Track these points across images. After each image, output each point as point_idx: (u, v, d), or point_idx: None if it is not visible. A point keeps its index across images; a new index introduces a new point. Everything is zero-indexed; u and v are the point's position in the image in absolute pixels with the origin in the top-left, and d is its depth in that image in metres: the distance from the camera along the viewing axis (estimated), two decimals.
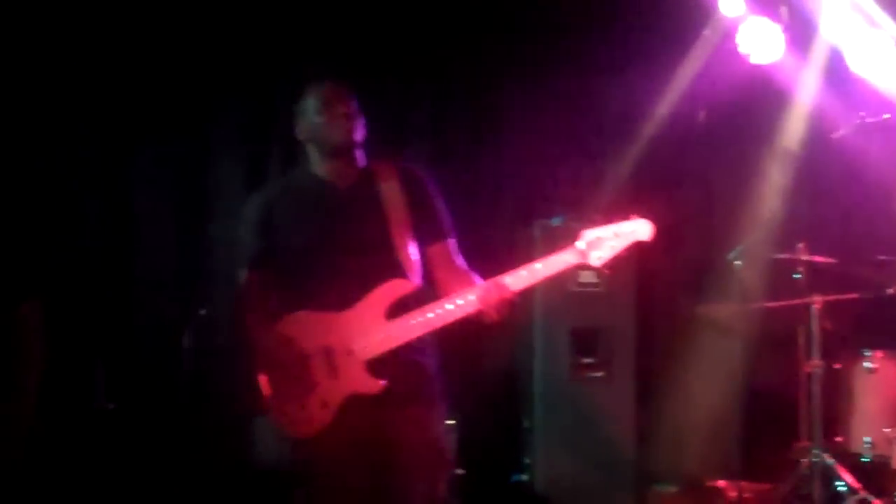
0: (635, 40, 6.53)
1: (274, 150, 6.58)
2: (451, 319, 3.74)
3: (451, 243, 4.00)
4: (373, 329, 3.77)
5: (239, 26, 6.40)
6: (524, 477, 6.01)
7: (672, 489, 6.16)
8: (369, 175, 3.99)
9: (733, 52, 6.39)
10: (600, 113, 6.68)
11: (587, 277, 6.10)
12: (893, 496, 5.47)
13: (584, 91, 6.56)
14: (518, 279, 3.71)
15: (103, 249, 6.24)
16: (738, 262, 6.06)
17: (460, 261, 3.98)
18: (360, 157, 3.99)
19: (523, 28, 6.64)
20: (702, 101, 6.50)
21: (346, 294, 3.78)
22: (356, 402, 3.74)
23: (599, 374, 6.10)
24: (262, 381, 3.83)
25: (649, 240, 3.73)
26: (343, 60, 6.32)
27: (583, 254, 3.70)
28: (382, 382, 3.73)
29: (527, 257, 5.92)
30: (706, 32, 6.39)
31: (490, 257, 4.05)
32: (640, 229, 3.73)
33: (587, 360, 6.10)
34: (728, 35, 6.41)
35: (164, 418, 5.83)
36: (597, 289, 6.08)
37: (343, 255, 3.84)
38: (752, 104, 6.62)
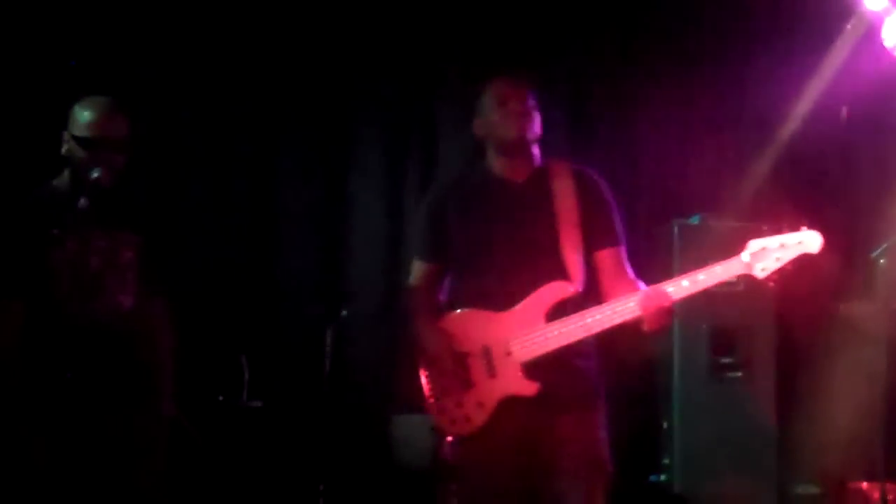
0: (777, 35, 6.46)
1: (413, 151, 6.67)
2: (609, 325, 3.72)
3: (622, 250, 3.96)
4: (532, 331, 3.77)
5: (381, 24, 6.50)
6: (662, 477, 5.98)
7: (814, 490, 6.08)
8: (543, 174, 3.97)
9: (878, 46, 6.26)
10: (740, 110, 6.62)
11: None
12: None
13: (724, 87, 6.50)
14: (679, 288, 3.68)
15: (248, 249, 6.39)
16: (882, 261, 5.94)
17: (629, 269, 3.94)
18: (535, 154, 3.99)
19: (662, 24, 6.62)
20: (844, 97, 6.37)
21: (510, 293, 3.80)
22: (512, 404, 3.76)
23: (739, 374, 6.04)
24: (423, 375, 3.90)
25: (818, 252, 3.66)
26: (482, 58, 6.38)
27: (748, 265, 3.65)
28: (537, 386, 3.73)
29: (664, 256, 5.93)
30: (849, 26, 6.27)
31: (628, 256, 3.98)
32: (808, 241, 3.66)
33: (726, 360, 6.04)
34: (873, 29, 6.27)
35: (308, 416, 5.95)
36: (736, 287, 6.00)
37: (510, 253, 3.84)
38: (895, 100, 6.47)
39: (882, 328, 5.99)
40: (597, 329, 3.72)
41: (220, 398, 5.69)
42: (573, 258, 3.84)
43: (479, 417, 3.78)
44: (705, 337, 6.03)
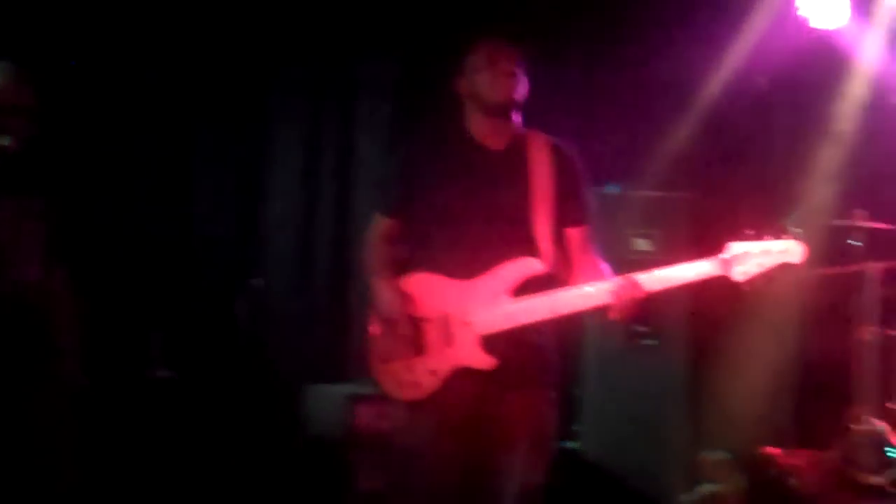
0: (694, 4, 6.43)
1: (327, 124, 6.62)
2: (577, 309, 3.67)
3: (589, 229, 3.92)
4: (495, 304, 3.70)
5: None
6: (575, 444, 6.03)
7: (723, 456, 6.16)
8: (522, 143, 3.88)
9: (794, 16, 6.32)
10: (659, 79, 6.61)
11: (641, 245, 6.08)
12: None
13: (642, 58, 6.49)
14: (653, 280, 3.64)
15: (163, 219, 6.30)
16: (795, 229, 6.01)
17: (594, 248, 3.90)
18: (516, 121, 3.90)
19: None
20: (762, 66, 6.43)
21: (476, 263, 3.72)
22: (465, 375, 3.70)
23: (652, 342, 6.09)
24: (374, 335, 3.81)
25: (800, 263, 3.65)
26: (399, 38, 6.34)
27: (726, 265, 3.64)
28: (493, 360, 3.68)
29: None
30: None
31: None
32: (792, 250, 3.66)
33: (640, 329, 6.08)
34: None
35: (219, 386, 5.90)
36: (651, 257, 6.05)
37: (481, 222, 3.76)
38: (812, 70, 6.54)
39: (794, 295, 6.10)
40: (564, 311, 3.67)
41: (132, 369, 5.61)
42: (544, 234, 3.77)
43: (429, 384, 3.72)
44: None
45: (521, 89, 3.86)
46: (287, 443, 5.89)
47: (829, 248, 6.16)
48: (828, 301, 6.30)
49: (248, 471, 5.61)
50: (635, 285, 3.62)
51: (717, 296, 6.32)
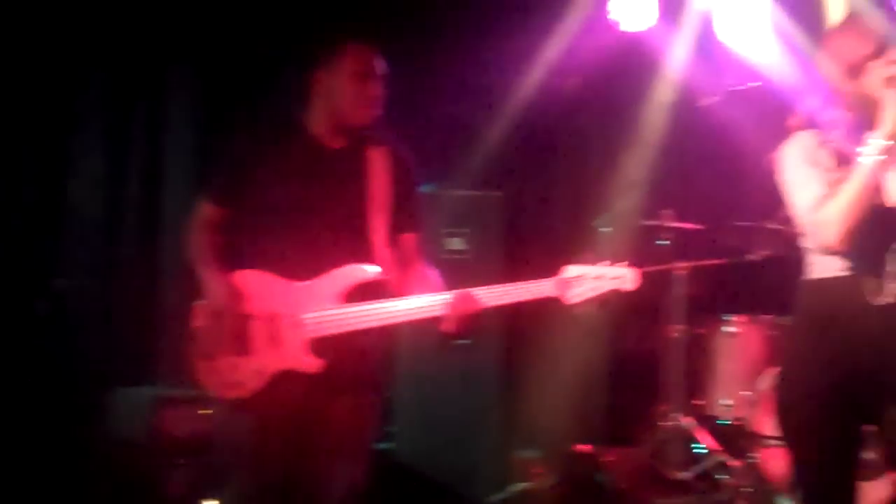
0: (510, 5, 6.47)
1: (136, 119, 6.44)
2: (411, 318, 3.66)
3: (420, 237, 3.91)
4: (327, 308, 3.65)
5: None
6: (388, 445, 5.99)
7: (536, 454, 6.22)
8: (361, 144, 3.83)
9: (605, 19, 6.43)
10: (472, 79, 6.62)
11: (454, 244, 6.10)
12: (750, 457, 5.63)
13: (454, 58, 6.47)
14: (491, 296, 3.68)
15: None
16: (605, 229, 6.12)
17: (423, 256, 3.89)
18: None
19: None
20: (573, 69, 6.52)
21: (310, 264, 3.66)
22: (290, 378, 3.64)
23: (465, 341, 6.06)
24: (199, 328, 3.71)
25: (632, 290, 3.70)
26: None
27: (562, 287, 3.67)
28: (320, 363, 3.62)
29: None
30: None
31: None
32: (626, 278, 3.70)
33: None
34: (600, 1, 6.44)
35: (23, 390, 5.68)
36: (464, 256, 6.07)
37: (316, 223, 3.71)
38: (622, 72, 6.67)
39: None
40: (396, 320, 3.65)
41: None
42: (380, 240, 3.76)
43: (253, 384, 3.64)
44: None
45: (376, 111, 3.82)
46: (91, 447, 5.69)
47: (638, 248, 6.29)
48: (637, 300, 6.41)
49: (50, 476, 5.39)
50: (472, 300, 3.65)
51: None
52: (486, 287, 3.68)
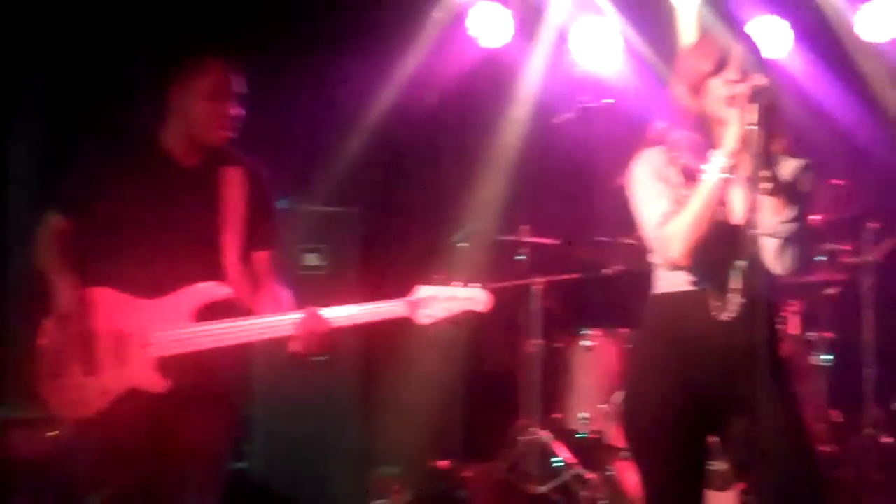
0: (365, 19, 6.47)
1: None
2: (261, 338, 3.64)
3: (275, 255, 3.89)
4: (176, 326, 3.60)
5: None
6: (243, 465, 5.90)
7: (394, 471, 6.21)
8: (215, 160, 3.77)
9: (463, 35, 6.49)
10: (328, 94, 6.58)
11: (311, 260, 6.06)
12: (607, 469, 5.70)
13: (312, 71, 6.44)
14: (339, 316, 3.70)
15: None
16: (462, 244, 6.16)
17: (276, 274, 3.87)
18: None
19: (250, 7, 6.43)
20: (431, 84, 6.55)
21: (158, 282, 3.60)
22: (137, 397, 3.57)
23: (322, 357, 6.03)
24: (45, 343, 3.62)
25: (485, 311, 3.76)
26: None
27: (413, 308, 3.72)
28: (168, 383, 3.57)
29: None
30: (435, 14, 6.44)
31: None
32: (477, 299, 3.76)
33: None
34: (458, 18, 6.49)
35: None
36: (321, 272, 6.04)
37: (166, 240, 3.64)
38: (480, 87, 6.73)
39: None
40: (245, 340, 3.62)
41: None
42: (233, 258, 3.72)
43: (98, 404, 3.57)
44: None
45: (232, 129, 3.79)
46: None
47: (496, 263, 6.35)
48: (495, 315, 6.45)
49: None
50: (320, 320, 3.65)
51: None
52: (336, 307, 3.70)
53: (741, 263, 3.26)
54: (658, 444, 3.46)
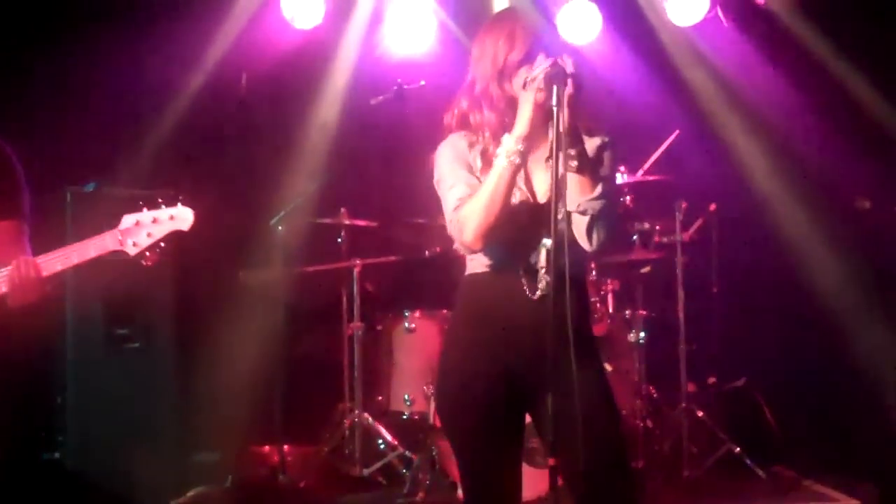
0: (180, 4, 6.37)
1: None
2: None
3: (24, 226, 3.90)
4: None
5: None
6: (56, 455, 5.77)
7: (214, 456, 6.20)
8: None
9: (279, 17, 6.47)
10: (139, 75, 6.45)
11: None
12: (432, 450, 5.75)
13: (122, 51, 6.31)
14: (51, 262, 3.70)
15: None
16: (279, 228, 6.16)
17: (28, 246, 3.86)
18: None
19: None
20: (244, 66, 6.50)
21: None
22: None
23: (136, 344, 5.96)
24: None
25: (188, 229, 3.75)
26: None
27: (120, 241, 3.72)
28: None
29: (58, 223, 5.71)
30: None
31: None
32: (180, 217, 3.74)
33: (122, 331, 5.91)
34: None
35: None
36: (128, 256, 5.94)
37: None
38: (295, 69, 6.72)
39: (281, 292, 6.23)
40: None
41: None
42: None
43: None
44: (99, 308, 5.86)
45: None
46: None
47: (314, 246, 6.38)
48: (317, 298, 6.49)
49: None
50: (31, 265, 3.69)
51: (203, 294, 6.40)
52: (47, 254, 3.74)
53: (548, 242, 3.35)
54: (470, 423, 3.51)
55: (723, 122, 7.01)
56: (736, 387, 6.66)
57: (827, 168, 6.58)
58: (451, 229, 3.47)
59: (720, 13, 6.90)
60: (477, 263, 3.54)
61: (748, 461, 6.18)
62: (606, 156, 3.52)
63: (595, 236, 3.41)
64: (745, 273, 6.88)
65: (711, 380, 6.67)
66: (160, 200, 3.76)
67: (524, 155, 3.35)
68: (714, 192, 6.61)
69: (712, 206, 6.53)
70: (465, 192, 3.43)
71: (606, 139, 3.54)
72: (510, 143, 3.36)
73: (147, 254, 3.75)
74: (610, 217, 3.43)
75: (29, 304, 3.74)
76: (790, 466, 6.21)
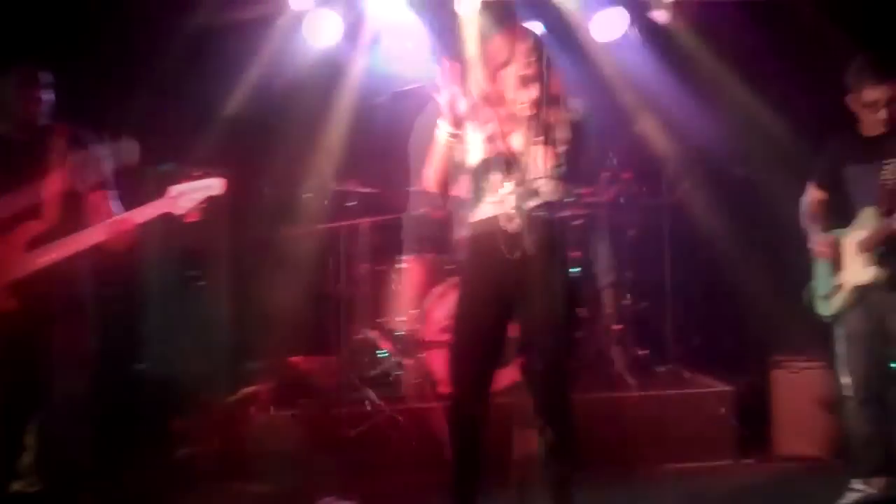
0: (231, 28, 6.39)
1: None
2: (80, 247, 3.74)
3: (110, 193, 3.95)
4: (11, 259, 3.68)
5: None
6: (144, 365, 5.88)
7: (258, 365, 6.26)
8: (44, 134, 3.87)
9: (301, 36, 6.50)
10: (198, 82, 6.40)
11: None
12: (420, 357, 5.87)
13: (186, 63, 6.30)
14: (134, 214, 3.83)
15: None
16: (307, 195, 6.24)
17: (117, 207, 3.93)
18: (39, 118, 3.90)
19: None
20: (278, 73, 6.56)
21: None
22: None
23: (202, 283, 6.06)
24: None
25: (221, 193, 3.89)
26: None
27: (171, 205, 3.83)
28: (14, 302, 3.64)
29: (145, 197, 5.77)
30: (280, 21, 6.48)
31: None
32: (213, 185, 3.89)
33: (190, 273, 6.01)
34: (298, 22, 6.51)
35: None
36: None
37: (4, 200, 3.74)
38: (318, 76, 6.75)
39: (306, 245, 6.33)
40: (71, 250, 3.74)
41: None
42: (52, 200, 3.77)
43: None
44: (175, 255, 5.93)
45: (48, 107, 3.89)
46: None
47: (332, 208, 6.44)
48: (331, 247, 6.55)
49: None
50: (124, 220, 3.81)
51: (250, 246, 6.45)
52: (130, 211, 3.85)
53: (520, 189, 3.45)
54: (466, 325, 3.67)
55: (636, 115, 7.05)
56: (643, 307, 6.74)
57: (714, 148, 6.67)
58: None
59: (633, 31, 6.92)
60: (475, 214, 3.67)
61: (652, 360, 6.34)
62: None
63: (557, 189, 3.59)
64: (651, 222, 6.90)
65: (626, 302, 6.73)
66: (199, 174, 3.86)
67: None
68: (629, 166, 6.66)
69: (628, 175, 6.63)
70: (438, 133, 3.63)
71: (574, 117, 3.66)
72: (444, 125, 3.55)
73: (191, 213, 3.85)
74: (567, 177, 3.61)
75: (122, 249, 3.85)
76: (681, 364, 6.34)
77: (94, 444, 4.05)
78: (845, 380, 4.44)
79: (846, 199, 4.44)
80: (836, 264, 4.46)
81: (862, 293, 4.37)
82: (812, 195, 4.66)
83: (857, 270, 4.37)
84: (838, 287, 4.45)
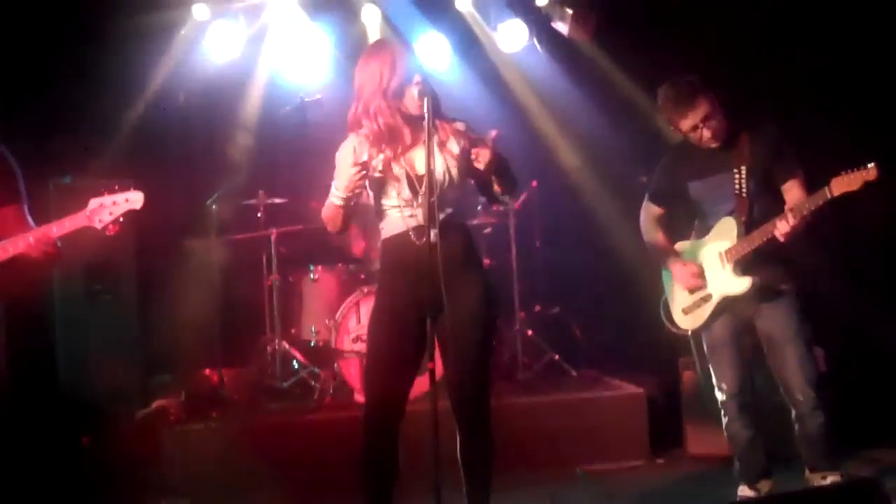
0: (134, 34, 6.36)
1: None
2: (4, 256, 3.73)
3: (23, 207, 3.91)
4: None
5: None
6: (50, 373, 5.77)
7: (169, 378, 6.24)
8: None
9: (202, 51, 6.51)
10: (102, 92, 6.38)
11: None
12: (334, 366, 5.92)
13: (91, 72, 6.25)
14: (54, 229, 3.75)
15: None
16: (214, 206, 6.22)
17: (30, 221, 3.88)
18: None
19: None
20: (182, 84, 6.54)
21: None
22: None
23: (108, 295, 5.97)
24: None
25: (140, 207, 3.82)
26: None
27: (89, 218, 3.76)
28: None
29: (43, 209, 5.69)
30: (183, 32, 6.45)
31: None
32: (133, 199, 3.81)
33: (97, 286, 5.93)
34: (201, 32, 6.50)
35: None
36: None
37: None
38: (221, 89, 6.75)
39: (215, 256, 6.31)
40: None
41: None
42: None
43: None
44: (80, 269, 5.86)
45: None
46: None
47: (241, 220, 6.43)
48: (244, 258, 6.54)
49: None
50: (44, 233, 3.74)
51: (157, 258, 6.39)
52: (38, 227, 3.80)
53: (428, 201, 3.51)
54: (381, 333, 3.72)
55: (541, 123, 7.21)
56: (554, 313, 6.87)
57: (612, 153, 6.86)
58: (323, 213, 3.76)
59: (535, 43, 7.07)
60: (386, 228, 3.72)
61: (564, 365, 6.46)
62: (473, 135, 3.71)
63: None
64: (559, 230, 7.09)
65: (537, 308, 6.88)
66: (117, 187, 3.83)
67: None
68: (535, 173, 6.79)
69: (534, 183, 6.79)
70: (332, 195, 3.66)
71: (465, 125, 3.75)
72: (334, 190, 3.62)
73: (110, 227, 3.82)
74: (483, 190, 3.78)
75: (45, 263, 3.80)
76: (593, 367, 6.48)
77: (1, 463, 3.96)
78: (719, 391, 4.38)
79: (690, 212, 4.44)
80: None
81: (731, 302, 4.27)
82: (650, 210, 4.58)
83: (725, 280, 4.25)
84: (703, 299, 4.33)
